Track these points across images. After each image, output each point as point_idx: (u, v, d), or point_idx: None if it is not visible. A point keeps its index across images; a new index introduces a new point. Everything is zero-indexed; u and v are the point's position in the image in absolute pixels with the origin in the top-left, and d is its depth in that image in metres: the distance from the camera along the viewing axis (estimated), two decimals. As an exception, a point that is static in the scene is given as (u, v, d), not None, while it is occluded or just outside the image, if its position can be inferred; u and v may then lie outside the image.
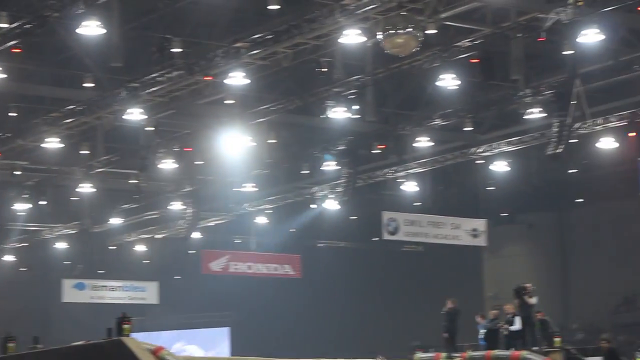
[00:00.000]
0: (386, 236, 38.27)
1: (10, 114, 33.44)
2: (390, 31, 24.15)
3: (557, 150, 30.51)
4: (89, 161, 36.98)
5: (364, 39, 25.92)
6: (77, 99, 32.08)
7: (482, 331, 30.26)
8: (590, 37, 25.87)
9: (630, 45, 30.39)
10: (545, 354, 28.15)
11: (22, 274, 54.06)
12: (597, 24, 25.53)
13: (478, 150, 37.30)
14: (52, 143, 33.75)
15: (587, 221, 52.09)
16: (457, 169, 40.35)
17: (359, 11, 24.64)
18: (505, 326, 29.28)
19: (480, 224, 40.01)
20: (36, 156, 36.57)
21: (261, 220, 47.87)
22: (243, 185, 42.04)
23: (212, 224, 47.09)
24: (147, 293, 51.53)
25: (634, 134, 34.40)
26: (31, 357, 23.80)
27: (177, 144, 35.40)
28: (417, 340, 33.20)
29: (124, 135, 35.55)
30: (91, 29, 25.24)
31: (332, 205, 42.48)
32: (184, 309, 60.35)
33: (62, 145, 34.04)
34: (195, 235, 46.18)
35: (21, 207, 41.23)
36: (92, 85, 31.51)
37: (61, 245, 49.34)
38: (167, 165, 35.87)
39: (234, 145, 33.95)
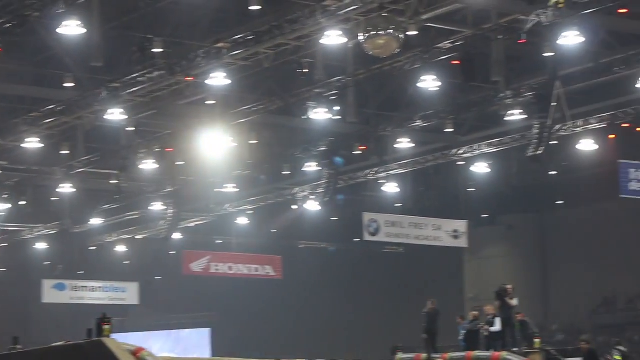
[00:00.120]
0: (367, 237, 38.22)
1: (-11, 114, 33.39)
2: (371, 32, 24.17)
3: (538, 152, 30.58)
4: (70, 161, 36.83)
5: (345, 40, 25.97)
6: (58, 99, 31.97)
7: (463, 332, 30.30)
8: (571, 39, 25.92)
9: (610, 48, 30.53)
10: (525, 354, 28.22)
11: (2, 274, 53.93)
12: (578, 26, 25.59)
13: (459, 152, 37.40)
14: (32, 143, 33.64)
15: (567, 223, 52.26)
16: (438, 171, 40.38)
17: (341, 12, 24.65)
18: (486, 327, 29.31)
19: (461, 225, 40.04)
20: (16, 156, 36.44)
21: (242, 221, 47.87)
22: (224, 185, 42.03)
23: (193, 224, 47.05)
24: (128, 294, 51.42)
25: (613, 136, 34.60)
26: (11, 357, 23.70)
27: (158, 145, 35.30)
28: (398, 341, 33.12)
29: (104, 136, 35.47)
30: (71, 28, 25.13)
31: (313, 206, 42.49)
32: (165, 310, 60.28)
33: (42, 145, 33.92)
34: (176, 235, 46.13)
35: (1, 207, 40.98)
36: (72, 85, 31.44)
37: (41, 245, 49.21)
38: (148, 165, 35.82)
39: (215, 146, 33.88)
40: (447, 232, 39.70)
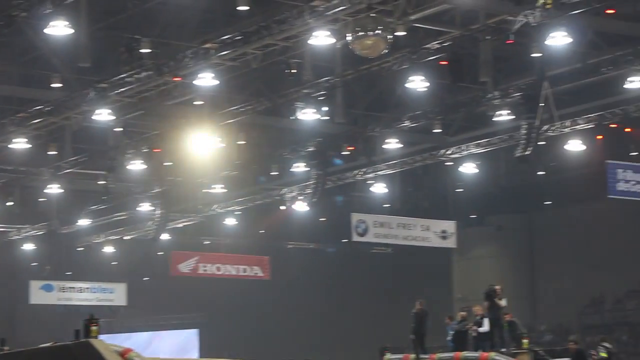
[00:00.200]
0: (355, 238, 38.21)
1: (-23, 115, 33.26)
2: (359, 33, 24.10)
3: (526, 153, 30.58)
4: (57, 162, 36.75)
5: (333, 40, 25.95)
6: (45, 99, 31.87)
7: (451, 333, 30.31)
8: (558, 39, 25.95)
9: (597, 48, 30.56)
10: (514, 355, 28.25)
11: (-11, 275, 53.80)
12: (565, 26, 25.61)
13: (447, 152, 37.39)
14: (20, 143, 33.52)
15: (555, 223, 52.33)
16: (426, 171, 40.40)
17: (329, 13, 24.60)
18: (474, 328, 29.33)
19: (449, 225, 40.07)
20: (3, 156, 36.37)
21: (230, 221, 47.83)
22: (212, 186, 41.97)
23: (181, 225, 47.00)
24: (116, 294, 51.34)
25: (601, 136, 34.66)
26: (-2, 358, 23.65)
27: (145, 145, 35.20)
28: (386, 341, 33.12)
29: (92, 136, 35.41)
30: (59, 29, 25.06)
31: (301, 206, 42.47)
32: (153, 311, 60.19)
33: (30, 145, 33.82)
34: (164, 236, 46.05)
35: (-12, 208, 40.99)
36: (60, 85, 31.38)
37: (29, 246, 49.12)
38: (136, 166, 35.72)
39: (203, 147, 33.82)
40: (435, 233, 39.73)
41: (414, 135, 37.54)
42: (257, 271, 49.55)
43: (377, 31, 24.03)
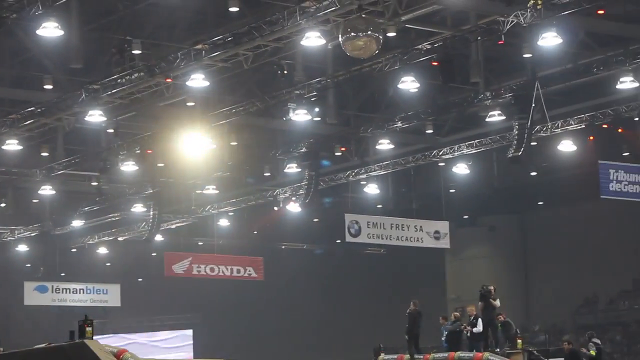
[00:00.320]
0: (349, 238, 38.20)
1: (-32, 116, 33.20)
2: (350, 34, 24.09)
3: (518, 153, 30.57)
4: (50, 163, 36.74)
5: (324, 41, 25.94)
6: (37, 101, 31.86)
7: (446, 333, 30.33)
8: (549, 40, 25.93)
9: (589, 49, 30.59)
10: (508, 355, 28.26)
11: (-17, 276, 53.73)
12: (556, 27, 25.60)
13: (439, 153, 37.41)
14: (12, 145, 33.45)
15: (547, 223, 52.38)
16: (419, 172, 40.44)
17: (320, 14, 24.62)
18: (468, 328, 29.35)
19: (443, 226, 40.06)
20: (-5, 158, 36.35)
21: (223, 222, 47.85)
22: (205, 187, 41.94)
23: (174, 226, 47.02)
24: (110, 295, 51.25)
25: (593, 137, 34.69)
26: (-7, 359, 23.68)
27: (138, 146, 35.18)
28: (381, 342, 33.11)
29: (84, 137, 35.38)
30: (50, 30, 25.01)
31: (294, 207, 42.47)
32: (147, 312, 60.14)
33: (22, 147, 33.77)
34: (158, 237, 46.03)
35: (-19, 209, 40.95)
36: (51, 86, 31.36)
37: (22, 247, 49.08)
38: (128, 167, 35.72)
39: (196, 148, 33.82)
40: (428, 233, 39.71)
41: (406, 136, 37.57)
42: (250, 272, 49.41)
43: (368, 32, 24.00)
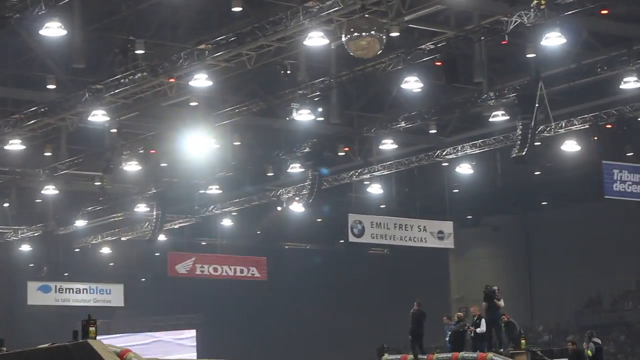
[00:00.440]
0: (352, 238, 38.14)
1: (-28, 116, 33.22)
2: (354, 34, 24.08)
3: (521, 153, 30.49)
4: (53, 163, 36.75)
5: (327, 41, 25.92)
6: (40, 101, 31.90)
7: (449, 333, 30.27)
8: (553, 40, 25.91)
9: (592, 49, 30.56)
10: (512, 355, 28.16)
11: (-14, 276, 53.76)
12: (560, 27, 25.59)
13: (443, 153, 37.37)
14: (15, 145, 33.47)
15: (551, 223, 52.33)
16: (422, 172, 40.39)
17: (323, 14, 24.63)
18: (472, 328, 29.29)
19: (446, 226, 40.01)
20: (-2, 158, 36.36)
21: (227, 222, 47.84)
22: (208, 187, 41.93)
23: (177, 226, 46.99)
24: (113, 295, 51.20)
25: (596, 137, 34.63)
26: (-3, 359, 23.67)
27: (141, 146, 35.18)
28: (384, 342, 33.05)
29: (87, 137, 35.36)
30: (53, 30, 25.01)
31: (297, 207, 42.45)
32: (150, 312, 60.18)
33: (25, 147, 33.75)
34: (161, 237, 45.99)
35: (-16, 209, 40.97)
36: (54, 86, 31.37)
37: (26, 247, 49.02)
38: (132, 167, 35.69)
39: (199, 148, 33.82)
40: (432, 233, 39.65)
41: (410, 136, 37.54)
42: (254, 272, 49.39)
43: (371, 32, 23.98)
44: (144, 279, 57.66)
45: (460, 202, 45.26)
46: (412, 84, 29.29)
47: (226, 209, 45.57)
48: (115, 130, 33.16)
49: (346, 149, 37.92)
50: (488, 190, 44.48)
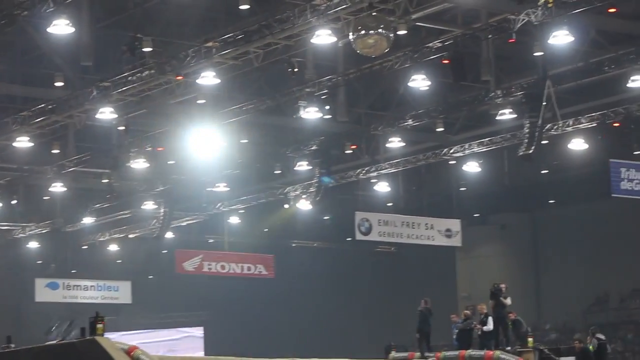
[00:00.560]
0: (359, 236, 38.17)
1: (-21, 113, 33.32)
2: (361, 32, 24.10)
3: (529, 151, 30.49)
4: (61, 160, 36.81)
5: (335, 39, 25.93)
6: (48, 98, 31.94)
7: (456, 331, 30.31)
8: (561, 38, 25.91)
9: (600, 47, 30.52)
10: (519, 354, 28.19)
11: (-6, 273, 53.86)
12: (567, 25, 25.59)
13: (450, 151, 37.38)
14: (23, 142, 33.50)
15: (558, 222, 52.26)
16: (430, 170, 40.38)
17: (330, 11, 24.65)
18: (479, 326, 29.31)
19: (454, 224, 40.02)
20: (7, 155, 36.41)
21: (234, 220, 47.88)
22: (215, 185, 41.98)
23: (184, 223, 47.04)
24: (120, 292, 51.38)
25: (604, 135, 34.60)
26: (4, 356, 23.74)
27: (149, 144, 35.23)
28: (391, 340, 33.10)
29: (95, 135, 35.45)
30: (61, 27, 25.11)
31: (304, 205, 42.46)
32: (158, 309, 60.19)
33: (33, 144, 33.78)
34: (169, 235, 46.09)
35: (-8, 206, 41.06)
36: (62, 84, 31.41)
37: (33, 244, 49.15)
38: (139, 164, 35.71)
39: (206, 145, 33.85)
40: (440, 231, 39.69)
41: (417, 134, 37.57)
42: (261, 269, 49.48)
43: (378, 30, 24.00)
44: (151, 276, 57.68)
45: (468, 200, 45.22)
46: (420, 82, 29.34)
47: (233, 207, 45.63)
48: (122, 128, 33.18)
49: (353, 146, 37.93)
50: (495, 189, 44.45)
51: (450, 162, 39.11)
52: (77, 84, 31.00)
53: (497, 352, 27.89)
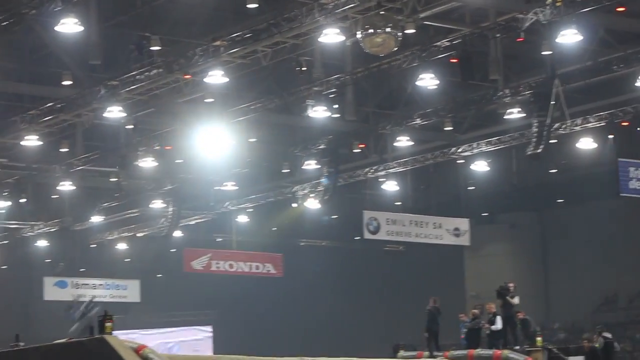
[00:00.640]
0: (367, 235, 38.17)
1: (-12, 112, 33.37)
2: (369, 30, 24.10)
3: (537, 151, 30.47)
4: (69, 159, 36.83)
5: (343, 38, 25.93)
6: (56, 97, 31.94)
7: (464, 330, 30.29)
8: (569, 37, 25.87)
9: (608, 46, 30.46)
10: (527, 353, 28.19)
11: (3, 272, 53.91)
12: (576, 24, 25.56)
13: (458, 150, 37.34)
14: (31, 141, 33.53)
15: (567, 221, 52.23)
16: (438, 169, 40.34)
17: (338, 10, 24.65)
18: (487, 325, 29.30)
19: (462, 223, 40.00)
20: (15, 154, 36.44)
21: (242, 219, 47.89)
22: (224, 183, 41.98)
23: (193, 222, 47.06)
24: (129, 291, 51.46)
25: (612, 134, 34.54)
26: (13, 355, 23.75)
27: (157, 142, 35.22)
28: (400, 339, 33.12)
29: (103, 134, 35.47)
30: (69, 26, 25.10)
31: (313, 204, 42.45)
32: (166, 307, 60.28)
33: (41, 143, 33.80)
34: (177, 233, 46.12)
35: (1, 204, 41.03)
36: (70, 83, 31.37)
37: (42, 243, 49.20)
38: (147, 163, 35.70)
39: (214, 144, 33.87)
40: (448, 230, 39.69)
41: (425, 133, 37.55)
42: (269, 268, 49.53)
43: (386, 29, 24.00)
44: (159, 275, 57.74)
45: (476, 200, 45.17)
46: (428, 81, 29.32)
47: (242, 206, 45.62)
48: (131, 127, 33.21)
49: (361, 145, 37.92)
50: (504, 188, 44.43)
51: (459, 161, 39.02)
52: (86, 82, 30.99)
53: (506, 352, 27.90)
